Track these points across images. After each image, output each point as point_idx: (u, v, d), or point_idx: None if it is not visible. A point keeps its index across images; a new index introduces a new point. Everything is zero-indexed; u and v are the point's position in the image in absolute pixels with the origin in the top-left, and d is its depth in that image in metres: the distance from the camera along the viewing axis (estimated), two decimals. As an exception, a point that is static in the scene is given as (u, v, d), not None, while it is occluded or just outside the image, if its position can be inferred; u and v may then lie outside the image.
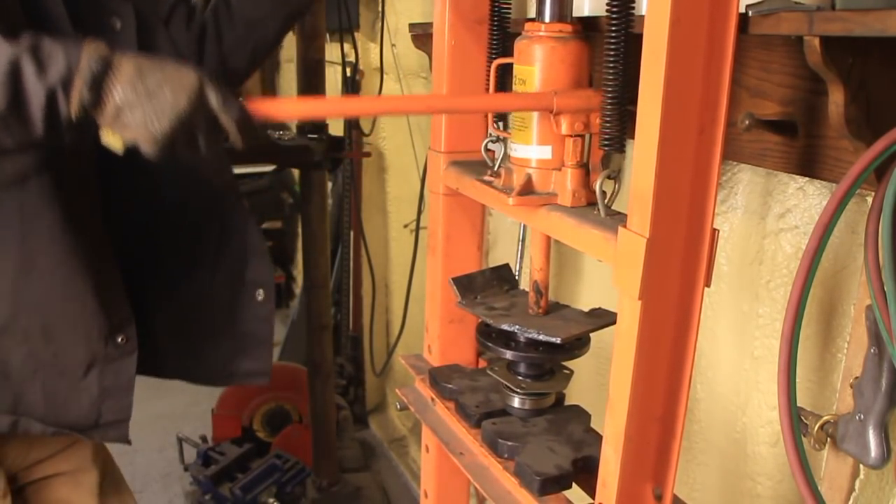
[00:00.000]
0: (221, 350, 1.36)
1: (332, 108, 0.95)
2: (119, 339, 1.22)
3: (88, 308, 1.18)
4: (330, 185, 2.87)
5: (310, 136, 2.27)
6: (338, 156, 2.35)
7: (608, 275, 0.84)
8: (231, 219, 1.34)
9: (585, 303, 1.18)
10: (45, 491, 1.31)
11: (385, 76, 2.50)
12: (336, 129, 2.43)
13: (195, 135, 0.88)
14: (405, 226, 2.75)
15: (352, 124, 2.65)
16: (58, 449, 1.31)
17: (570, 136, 0.94)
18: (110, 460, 1.43)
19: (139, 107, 0.85)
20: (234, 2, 1.36)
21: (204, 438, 2.75)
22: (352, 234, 2.98)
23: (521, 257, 1.58)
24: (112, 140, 0.88)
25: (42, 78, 0.84)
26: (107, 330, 1.20)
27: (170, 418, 3.15)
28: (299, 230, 2.48)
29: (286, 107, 0.94)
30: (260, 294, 1.35)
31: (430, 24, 1.25)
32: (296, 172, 2.78)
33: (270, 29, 1.40)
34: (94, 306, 1.18)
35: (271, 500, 2.45)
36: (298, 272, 2.79)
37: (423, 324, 1.34)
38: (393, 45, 2.51)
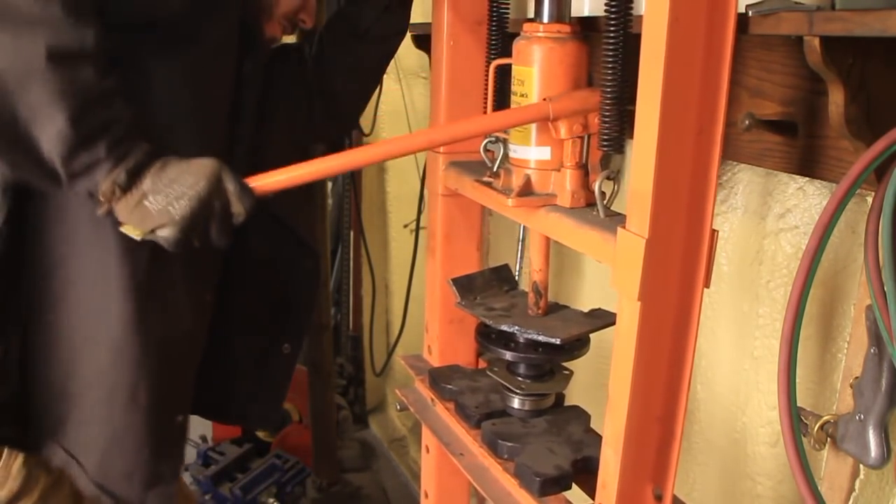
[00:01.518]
0: (238, 392, 1.37)
1: (337, 165, 1.00)
2: (179, 419, 1.19)
3: (175, 380, 1.16)
4: (330, 185, 2.87)
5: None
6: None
7: (608, 275, 0.84)
8: (297, 268, 1.35)
9: (585, 303, 1.18)
10: None
11: (385, 76, 2.49)
12: (335, 129, 2.43)
13: (210, 220, 0.92)
14: (405, 226, 2.75)
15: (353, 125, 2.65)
16: None
17: (569, 138, 0.94)
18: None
19: (162, 193, 0.90)
20: (328, 54, 1.36)
21: (204, 438, 2.75)
22: (352, 234, 2.98)
23: (521, 258, 1.58)
24: (130, 231, 0.92)
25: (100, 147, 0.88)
26: (175, 406, 1.18)
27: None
28: (299, 230, 2.48)
29: (291, 175, 0.96)
30: (287, 348, 1.37)
31: (429, 25, 1.25)
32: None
33: (367, 74, 1.41)
34: (178, 379, 1.16)
35: (271, 500, 2.44)
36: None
37: (423, 324, 1.34)
38: (393, 45, 2.51)
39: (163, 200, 0.90)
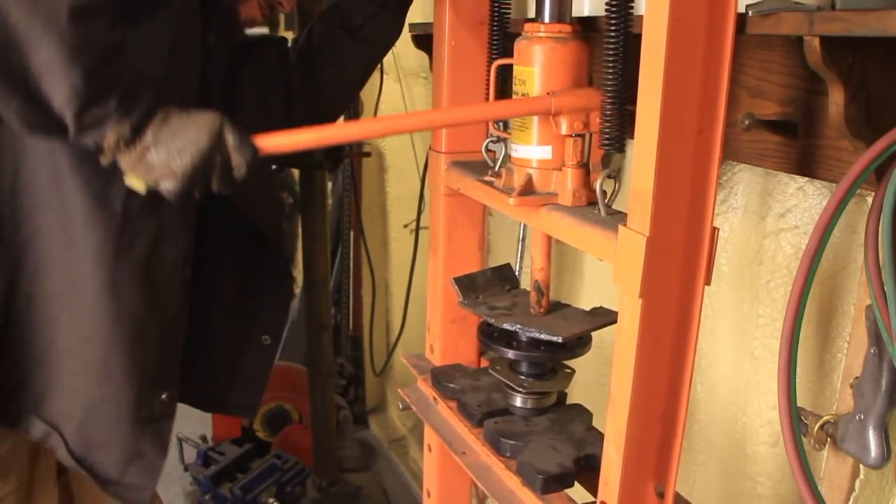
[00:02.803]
0: (217, 381, 1.38)
1: (338, 134, 1.02)
2: (163, 397, 1.20)
3: (151, 355, 1.17)
4: (330, 185, 2.87)
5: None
6: (338, 156, 2.35)
7: (609, 273, 0.84)
8: (267, 265, 1.36)
9: (586, 302, 1.18)
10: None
11: (385, 76, 2.50)
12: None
13: (211, 172, 0.93)
14: (405, 226, 2.75)
15: (351, 114, 2.65)
16: None
17: (570, 136, 0.95)
18: None
19: (163, 146, 0.90)
20: (317, 46, 1.36)
21: (204, 438, 2.75)
22: (352, 234, 2.98)
23: (522, 257, 1.58)
24: (135, 182, 0.93)
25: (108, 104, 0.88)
26: (157, 383, 1.18)
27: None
28: (299, 230, 2.48)
29: (294, 139, 0.96)
30: (266, 339, 1.38)
31: (430, 24, 1.25)
32: (296, 173, 2.78)
33: (353, 72, 1.40)
34: (157, 355, 1.17)
35: (271, 500, 2.44)
36: (298, 272, 2.78)
37: (424, 324, 1.34)
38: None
39: (165, 154, 0.90)
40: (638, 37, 0.76)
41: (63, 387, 1.15)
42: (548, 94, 0.95)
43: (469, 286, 1.17)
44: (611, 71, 0.87)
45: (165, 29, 1.07)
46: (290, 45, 1.40)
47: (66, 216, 1.08)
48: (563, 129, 0.94)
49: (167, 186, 0.92)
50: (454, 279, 1.17)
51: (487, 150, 1.08)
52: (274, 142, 0.96)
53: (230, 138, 0.93)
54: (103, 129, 0.89)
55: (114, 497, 1.23)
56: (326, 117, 1.44)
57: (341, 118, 1.68)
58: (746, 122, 0.95)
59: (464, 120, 1.02)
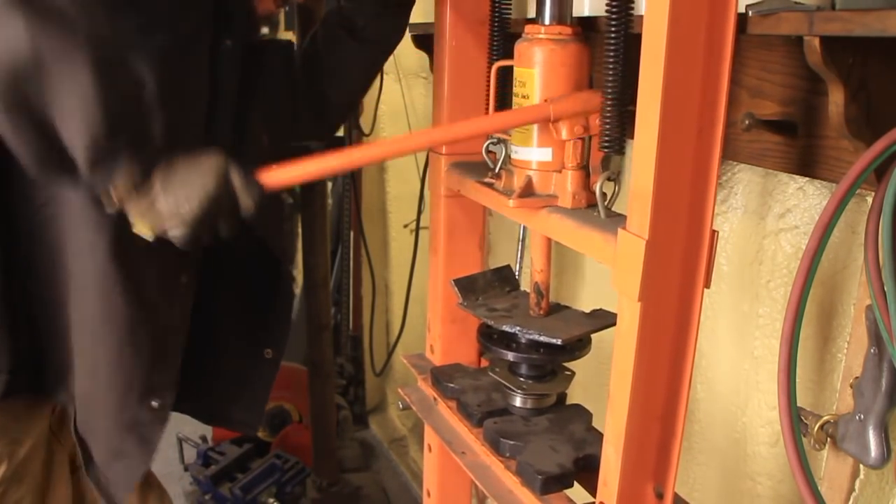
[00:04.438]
0: (220, 395, 1.38)
1: (342, 162, 1.02)
2: (153, 404, 1.20)
3: (140, 361, 1.16)
4: (330, 185, 2.87)
5: (310, 136, 2.26)
6: (338, 156, 2.35)
7: (608, 275, 0.84)
8: (271, 278, 1.35)
9: (586, 304, 1.18)
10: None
11: (385, 76, 2.50)
12: (336, 129, 2.42)
13: (219, 216, 0.93)
14: (405, 226, 2.75)
15: (352, 125, 2.65)
16: None
17: (570, 140, 0.95)
18: None
19: (172, 193, 0.90)
20: (321, 49, 1.35)
21: (204, 438, 2.75)
22: (352, 234, 2.98)
23: (521, 258, 1.58)
24: (143, 229, 0.93)
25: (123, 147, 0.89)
26: (145, 390, 1.18)
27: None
28: (299, 230, 2.48)
29: (298, 171, 0.96)
30: (269, 353, 1.37)
31: (430, 24, 1.25)
32: (296, 173, 2.79)
33: (357, 74, 1.39)
34: (147, 362, 1.17)
35: (271, 500, 2.44)
36: (298, 272, 2.78)
37: (423, 324, 1.34)
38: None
39: (173, 202, 0.90)
40: (638, 37, 0.76)
41: (72, 366, 1.18)
42: (546, 101, 0.94)
43: (469, 288, 1.17)
44: (611, 73, 0.87)
45: (175, 41, 1.06)
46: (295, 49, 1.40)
47: (67, 216, 1.08)
48: (563, 135, 0.94)
49: (175, 233, 0.92)
50: (454, 281, 1.17)
51: (488, 152, 1.08)
52: (279, 176, 0.96)
53: (236, 180, 0.93)
54: (112, 177, 0.89)
55: (93, 485, 1.24)
56: (332, 121, 1.44)
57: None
58: (746, 122, 0.95)
59: (464, 136, 1.02)
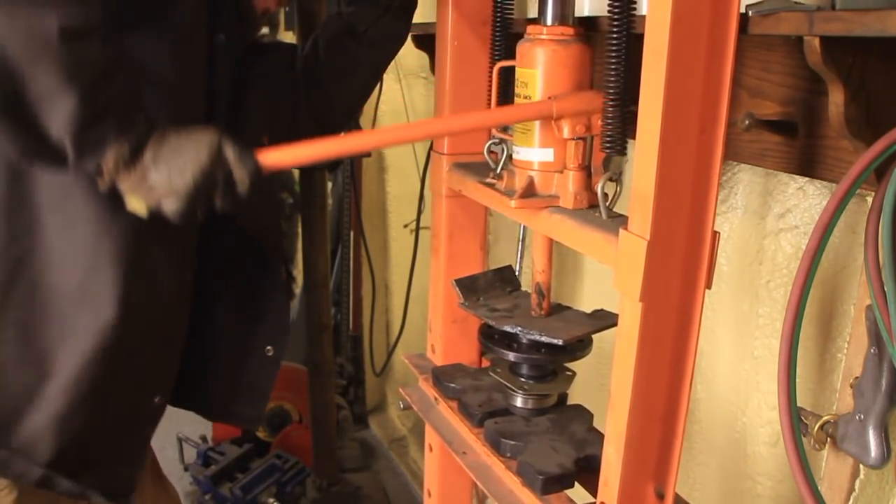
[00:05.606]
0: (222, 390, 1.38)
1: (339, 147, 1.00)
2: (156, 400, 1.19)
3: (157, 358, 1.15)
4: (330, 185, 2.87)
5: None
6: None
7: (610, 275, 0.84)
8: (267, 276, 1.35)
9: (587, 304, 1.18)
10: None
11: (385, 76, 2.50)
12: (336, 129, 2.42)
13: (213, 189, 0.91)
14: (405, 226, 2.75)
15: (352, 124, 2.66)
16: None
17: (572, 139, 0.95)
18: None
19: (164, 165, 0.89)
20: (322, 53, 1.34)
21: (204, 438, 2.75)
22: (352, 234, 2.98)
23: (521, 258, 1.58)
24: (136, 205, 0.92)
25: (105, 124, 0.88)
26: (154, 386, 1.17)
27: (169, 418, 3.10)
28: (299, 230, 2.48)
29: (295, 153, 0.96)
30: (269, 350, 1.37)
31: (430, 24, 1.25)
32: (296, 172, 2.78)
33: (359, 79, 1.38)
34: (159, 358, 1.16)
35: (271, 500, 2.45)
36: (298, 272, 2.78)
37: (424, 324, 1.34)
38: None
39: (165, 173, 0.89)
40: (640, 37, 0.76)
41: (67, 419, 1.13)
42: (549, 98, 0.95)
43: (470, 288, 1.17)
44: (613, 72, 0.87)
45: (168, 32, 1.05)
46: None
47: (79, 220, 1.05)
48: (566, 133, 0.94)
49: (169, 207, 0.90)
50: (455, 281, 1.17)
51: (489, 152, 1.08)
52: (275, 157, 0.95)
53: (230, 153, 0.91)
54: (102, 151, 0.88)
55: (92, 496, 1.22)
56: (332, 127, 1.43)
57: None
58: (747, 122, 0.96)
59: (464, 128, 1.02)
